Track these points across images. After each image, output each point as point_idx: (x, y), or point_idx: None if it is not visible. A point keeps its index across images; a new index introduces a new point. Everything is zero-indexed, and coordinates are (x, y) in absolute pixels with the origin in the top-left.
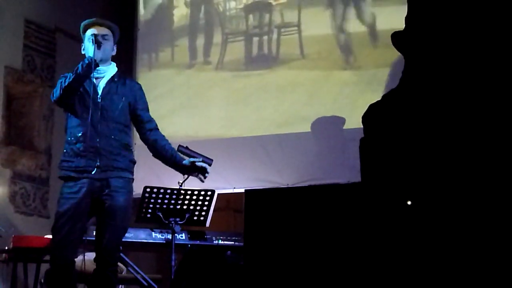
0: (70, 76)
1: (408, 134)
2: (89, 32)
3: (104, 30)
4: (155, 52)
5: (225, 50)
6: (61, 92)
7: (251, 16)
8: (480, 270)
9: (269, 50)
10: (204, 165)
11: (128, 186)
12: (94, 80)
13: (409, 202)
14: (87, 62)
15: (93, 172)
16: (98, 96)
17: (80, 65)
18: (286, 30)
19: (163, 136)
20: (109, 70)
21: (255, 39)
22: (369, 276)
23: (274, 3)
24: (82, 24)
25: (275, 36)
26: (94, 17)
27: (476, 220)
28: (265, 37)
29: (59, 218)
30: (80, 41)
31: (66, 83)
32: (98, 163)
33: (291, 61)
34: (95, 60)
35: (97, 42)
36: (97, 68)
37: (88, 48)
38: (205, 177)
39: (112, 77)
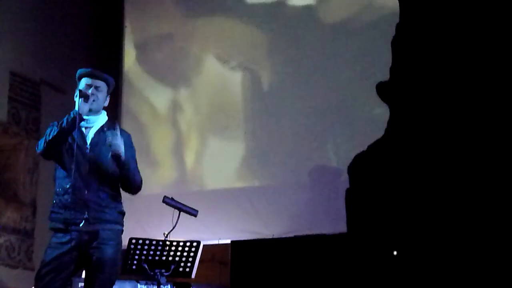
0: (54, 130)
1: (393, 184)
2: (83, 81)
3: (98, 82)
4: (141, 100)
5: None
6: (45, 145)
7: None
8: None
9: None
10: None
11: (116, 238)
12: (84, 129)
13: (395, 252)
14: (72, 116)
15: (81, 225)
16: (87, 146)
17: (65, 119)
18: None
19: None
20: (98, 120)
21: None
22: None
23: None
24: (78, 72)
25: None
26: (79, 69)
27: (463, 271)
28: None
29: (43, 267)
30: (65, 93)
31: (50, 137)
32: (86, 216)
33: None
34: (80, 115)
35: (83, 95)
36: (87, 118)
37: (76, 101)
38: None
39: (102, 127)
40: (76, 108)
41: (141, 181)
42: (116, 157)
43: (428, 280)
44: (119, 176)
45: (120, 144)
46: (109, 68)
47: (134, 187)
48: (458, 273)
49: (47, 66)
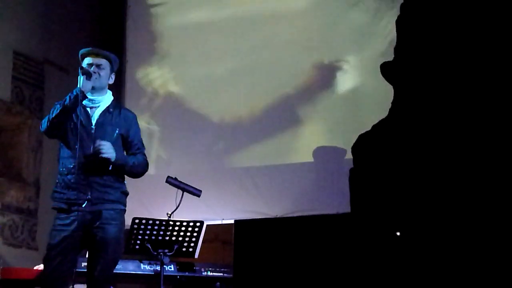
0: (57, 108)
1: (398, 164)
2: (85, 61)
3: (100, 60)
4: (145, 79)
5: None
6: (48, 124)
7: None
8: None
9: None
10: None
11: (119, 217)
12: (89, 109)
13: (398, 233)
14: (74, 93)
15: (83, 205)
16: (92, 126)
17: (67, 97)
18: None
19: (142, 158)
20: (104, 100)
21: None
22: None
23: None
24: (80, 52)
25: None
26: (82, 48)
27: (466, 252)
28: None
29: (50, 250)
30: (68, 72)
31: (53, 115)
32: (89, 196)
33: None
34: (82, 92)
35: (85, 73)
36: (92, 98)
37: (79, 79)
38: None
39: (107, 107)
40: (79, 85)
41: (144, 165)
42: (105, 160)
43: (432, 261)
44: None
45: (110, 150)
46: (113, 48)
47: (136, 176)
48: (462, 256)
49: (50, 45)
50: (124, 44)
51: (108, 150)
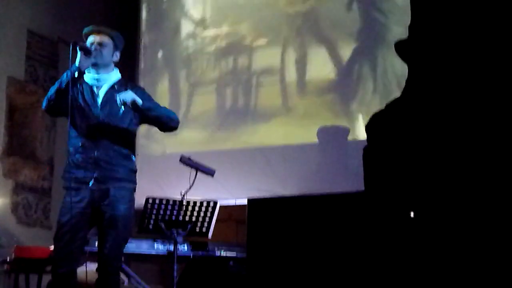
0: (55, 86)
1: (412, 143)
2: (88, 40)
3: (103, 37)
4: (158, 61)
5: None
6: (46, 102)
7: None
8: (482, 282)
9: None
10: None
11: (129, 195)
12: (95, 88)
13: (412, 214)
14: (71, 71)
15: (90, 183)
16: (98, 105)
17: (65, 74)
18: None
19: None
20: (110, 78)
21: None
22: (369, 283)
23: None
24: (83, 32)
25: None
26: (84, 29)
27: (481, 233)
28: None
29: (60, 228)
30: None
31: (52, 92)
32: (96, 175)
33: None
34: (79, 69)
35: (83, 49)
36: (98, 76)
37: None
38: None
39: (113, 85)
40: (76, 63)
41: (171, 113)
42: (133, 105)
43: (445, 243)
44: (150, 121)
45: (127, 94)
46: (127, 26)
47: (172, 120)
48: (476, 238)
49: (65, 24)
50: (139, 23)
51: (130, 95)
